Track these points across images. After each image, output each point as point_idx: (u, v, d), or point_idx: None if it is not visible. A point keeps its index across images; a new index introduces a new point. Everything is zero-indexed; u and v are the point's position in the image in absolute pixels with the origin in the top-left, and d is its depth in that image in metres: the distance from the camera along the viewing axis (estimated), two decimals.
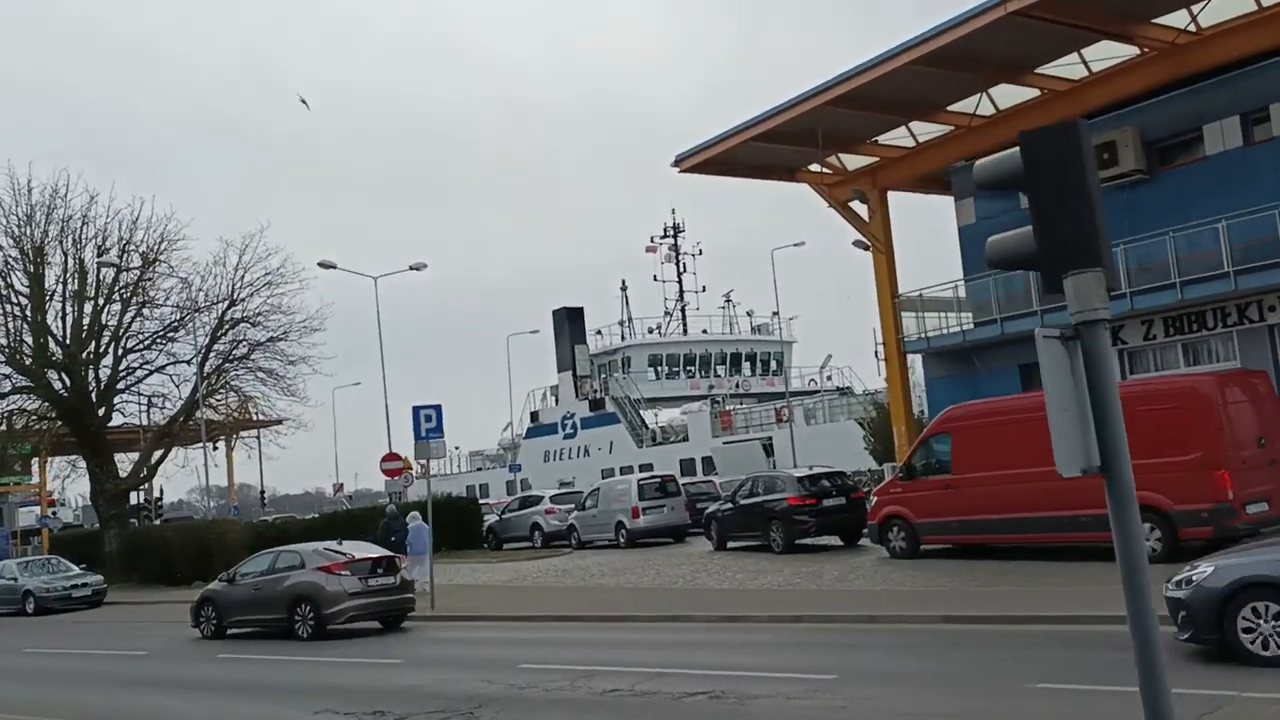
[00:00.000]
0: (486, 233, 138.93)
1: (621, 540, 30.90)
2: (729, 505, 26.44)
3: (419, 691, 12.67)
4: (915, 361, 31.87)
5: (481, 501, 44.25)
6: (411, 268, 41.06)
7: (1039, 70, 24.69)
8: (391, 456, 39.62)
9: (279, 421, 42.91)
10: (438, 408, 21.95)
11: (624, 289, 66.14)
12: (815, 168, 29.27)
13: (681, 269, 66.89)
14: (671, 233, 67.01)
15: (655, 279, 66.66)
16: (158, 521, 54.68)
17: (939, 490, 20.10)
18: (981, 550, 19.87)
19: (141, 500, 76.06)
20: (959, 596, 16.00)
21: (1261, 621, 9.62)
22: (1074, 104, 25.11)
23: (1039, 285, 25.73)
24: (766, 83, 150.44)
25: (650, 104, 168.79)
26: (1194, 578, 10.12)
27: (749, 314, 66.94)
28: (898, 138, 28.79)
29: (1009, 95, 26.32)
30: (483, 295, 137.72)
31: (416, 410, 21.44)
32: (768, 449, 48.31)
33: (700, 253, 67.37)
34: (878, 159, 29.75)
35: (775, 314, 67.49)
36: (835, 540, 24.76)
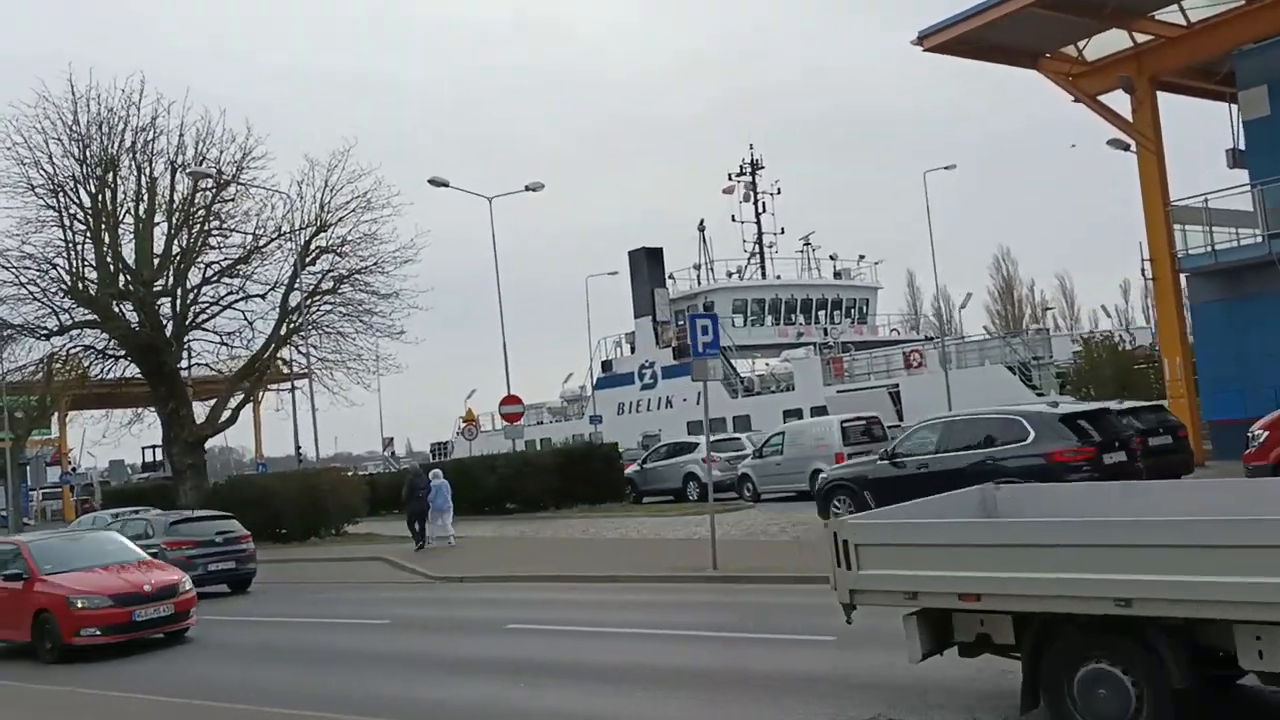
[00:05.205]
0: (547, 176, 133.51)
1: None
2: None
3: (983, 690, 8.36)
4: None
5: None
6: (528, 188, 36.31)
7: None
8: (510, 399, 35.31)
9: (301, 376, 38.37)
10: (714, 317, 17.52)
11: (701, 229, 61.45)
12: (1075, 49, 24.86)
13: (760, 209, 62.27)
14: (749, 169, 62.32)
15: (733, 219, 62.05)
16: None
17: None
18: None
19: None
20: None
21: None
22: None
23: None
24: None
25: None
26: None
27: (832, 258, 62.58)
28: (1168, 13, 24.39)
29: None
30: (548, 239, 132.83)
31: (693, 319, 16.98)
32: (894, 397, 44.06)
33: (779, 191, 62.78)
34: (1133, 45, 25.33)
35: (861, 258, 63.69)
36: None
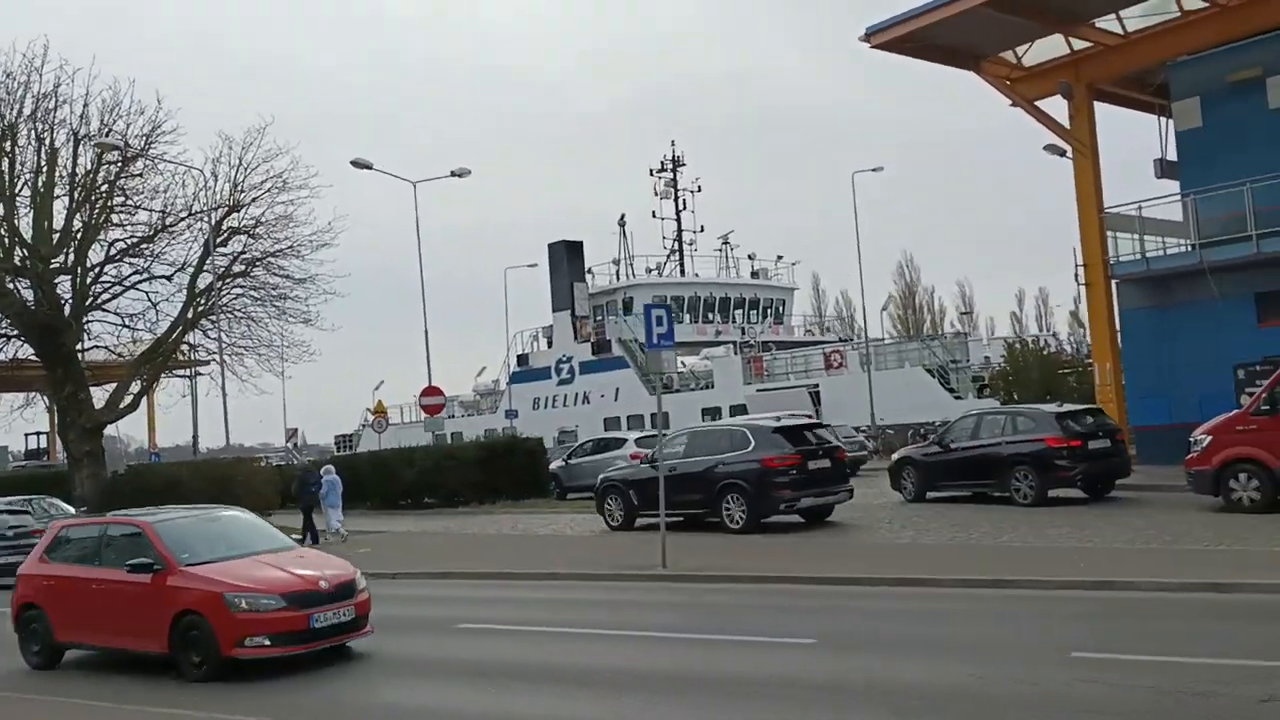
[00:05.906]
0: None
1: None
2: (934, 449, 22.08)
3: (984, 696, 7.98)
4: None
5: None
6: (454, 173, 35.37)
7: None
8: (432, 390, 34.30)
9: (205, 362, 37.07)
10: (667, 308, 16.99)
11: (622, 224, 61.01)
12: (1013, 55, 25.01)
13: (680, 206, 62.03)
14: (670, 166, 62.02)
15: (654, 215, 61.75)
16: None
17: None
18: None
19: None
20: None
21: None
22: None
23: None
24: None
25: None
26: None
27: (750, 258, 62.75)
28: (1106, 22, 24.70)
29: None
30: (466, 230, 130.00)
31: (648, 309, 16.41)
32: (815, 397, 44.21)
33: (699, 189, 62.56)
34: (1070, 52, 25.60)
35: (779, 258, 63.99)
36: (1075, 493, 20.62)
